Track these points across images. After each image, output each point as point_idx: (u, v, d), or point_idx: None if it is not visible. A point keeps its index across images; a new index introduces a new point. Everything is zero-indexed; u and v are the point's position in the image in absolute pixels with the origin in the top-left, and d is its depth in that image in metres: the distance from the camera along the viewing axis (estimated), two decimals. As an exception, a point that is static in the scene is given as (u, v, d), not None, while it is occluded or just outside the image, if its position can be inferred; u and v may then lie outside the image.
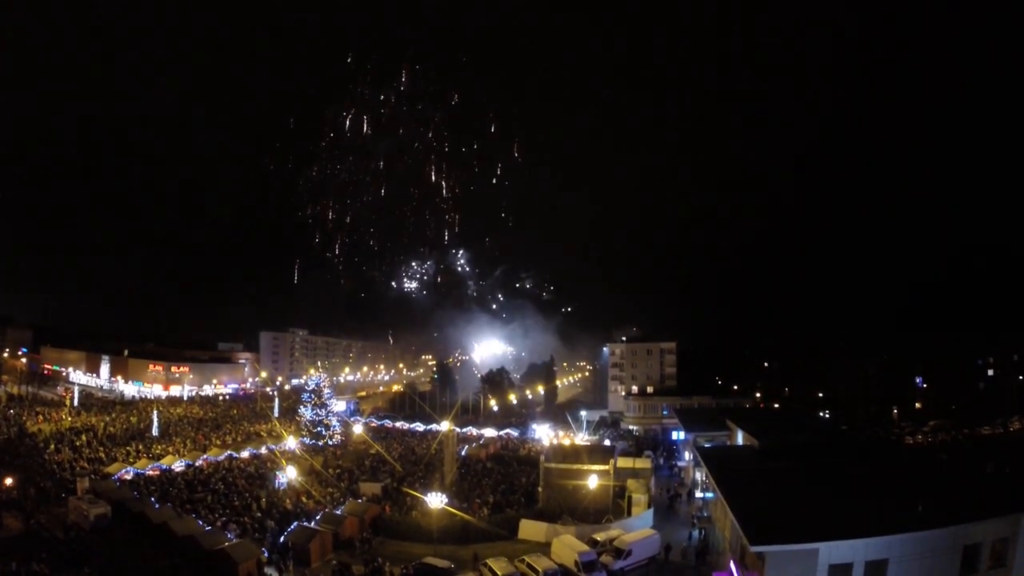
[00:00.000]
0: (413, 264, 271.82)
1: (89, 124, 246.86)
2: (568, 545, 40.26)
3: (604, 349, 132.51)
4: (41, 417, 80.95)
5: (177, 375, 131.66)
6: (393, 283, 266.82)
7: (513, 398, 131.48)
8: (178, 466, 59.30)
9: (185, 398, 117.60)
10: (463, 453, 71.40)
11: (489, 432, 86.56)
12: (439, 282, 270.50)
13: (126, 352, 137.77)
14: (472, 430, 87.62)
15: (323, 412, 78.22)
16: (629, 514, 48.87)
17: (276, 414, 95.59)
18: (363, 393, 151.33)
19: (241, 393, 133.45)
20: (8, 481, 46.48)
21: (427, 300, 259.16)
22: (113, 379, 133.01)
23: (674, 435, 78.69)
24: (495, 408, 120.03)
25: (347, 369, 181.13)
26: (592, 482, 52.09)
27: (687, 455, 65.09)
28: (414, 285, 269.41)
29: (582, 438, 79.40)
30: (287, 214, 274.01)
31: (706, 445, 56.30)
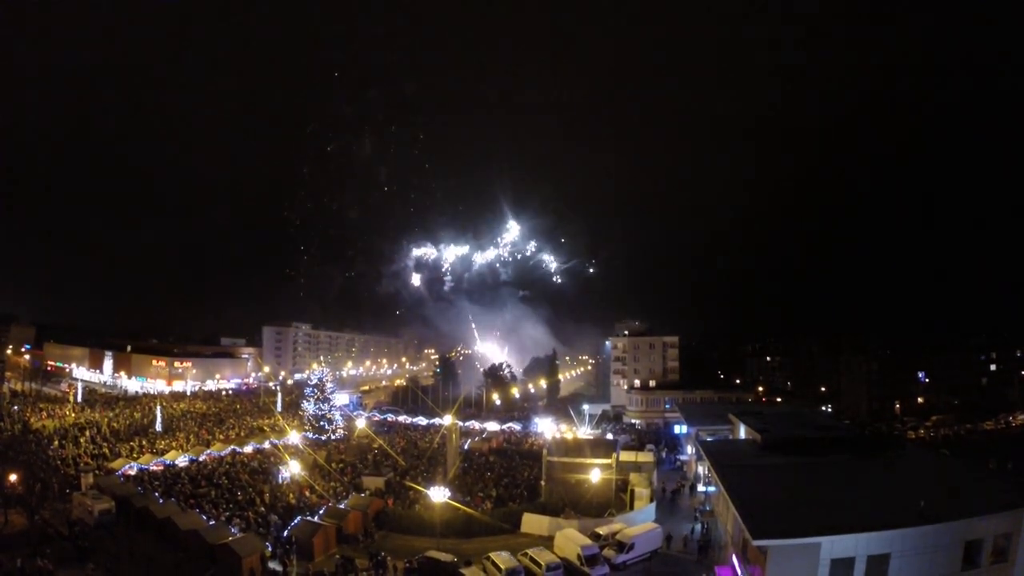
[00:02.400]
0: (400, 259, 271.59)
1: (91, 124, 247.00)
2: (570, 539, 40.35)
3: (606, 343, 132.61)
4: (45, 413, 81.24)
5: (180, 370, 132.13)
6: (383, 278, 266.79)
7: (515, 392, 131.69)
8: (182, 461, 59.46)
9: (188, 393, 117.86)
10: (466, 447, 71.58)
11: (492, 426, 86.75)
12: (422, 277, 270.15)
13: (129, 348, 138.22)
14: (475, 424, 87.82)
15: (326, 406, 78.37)
16: (631, 508, 48.94)
17: (279, 409, 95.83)
18: (366, 387, 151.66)
19: (244, 388, 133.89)
20: (12, 477, 46.65)
21: (414, 294, 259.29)
22: (116, 375, 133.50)
23: (676, 429, 78.69)
24: (498, 402, 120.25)
25: (350, 363, 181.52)
26: (595, 476, 52.22)
27: (689, 449, 65.14)
28: (402, 280, 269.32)
29: (584, 432, 79.47)
30: (286, 211, 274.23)
31: (708, 439, 56.32)
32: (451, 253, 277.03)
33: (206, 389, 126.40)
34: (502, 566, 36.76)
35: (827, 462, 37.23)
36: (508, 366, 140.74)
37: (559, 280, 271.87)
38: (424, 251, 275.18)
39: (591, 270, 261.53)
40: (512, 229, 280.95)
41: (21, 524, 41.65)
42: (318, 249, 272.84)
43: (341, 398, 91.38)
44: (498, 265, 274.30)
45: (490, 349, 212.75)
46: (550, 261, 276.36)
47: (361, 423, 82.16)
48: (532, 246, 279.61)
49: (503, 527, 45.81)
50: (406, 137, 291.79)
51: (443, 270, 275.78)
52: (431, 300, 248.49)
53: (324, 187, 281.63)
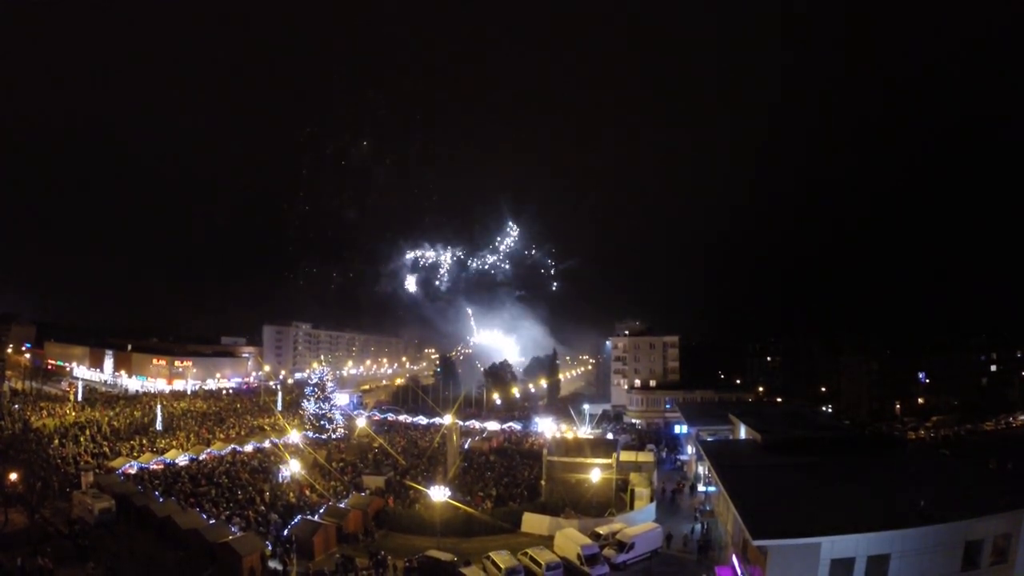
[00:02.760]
0: (399, 259, 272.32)
1: (92, 124, 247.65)
2: (571, 538, 40.36)
3: (607, 343, 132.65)
4: (45, 412, 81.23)
5: (180, 369, 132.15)
6: (383, 278, 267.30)
7: (516, 392, 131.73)
8: (182, 460, 59.46)
9: (189, 392, 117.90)
10: (466, 446, 71.56)
11: (492, 425, 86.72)
12: (421, 278, 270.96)
13: (130, 347, 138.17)
14: (475, 423, 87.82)
15: (326, 406, 78.40)
16: (631, 508, 48.96)
17: (279, 408, 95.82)
18: (366, 387, 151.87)
19: (244, 387, 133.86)
20: (13, 476, 46.69)
21: (413, 294, 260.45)
22: (117, 374, 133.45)
23: (676, 429, 78.75)
24: (498, 402, 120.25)
25: (350, 363, 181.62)
26: (595, 476, 52.21)
27: (689, 449, 65.17)
28: (400, 280, 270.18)
29: (585, 431, 79.47)
30: (286, 211, 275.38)
31: (708, 439, 56.38)
32: (449, 253, 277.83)
33: (206, 388, 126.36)
34: (502, 565, 36.77)
35: (827, 462, 37.20)
36: (509, 365, 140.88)
37: (557, 280, 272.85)
38: (423, 252, 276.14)
39: (588, 271, 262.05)
40: (510, 230, 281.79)
41: (21, 522, 41.67)
42: (318, 249, 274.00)
43: (341, 397, 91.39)
44: (491, 269, 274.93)
45: (493, 338, 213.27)
46: (548, 262, 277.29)
47: (361, 422, 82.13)
48: (529, 246, 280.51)
49: (503, 526, 45.84)
50: (405, 138, 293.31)
51: (441, 270, 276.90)
52: (430, 300, 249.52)
53: (324, 188, 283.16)
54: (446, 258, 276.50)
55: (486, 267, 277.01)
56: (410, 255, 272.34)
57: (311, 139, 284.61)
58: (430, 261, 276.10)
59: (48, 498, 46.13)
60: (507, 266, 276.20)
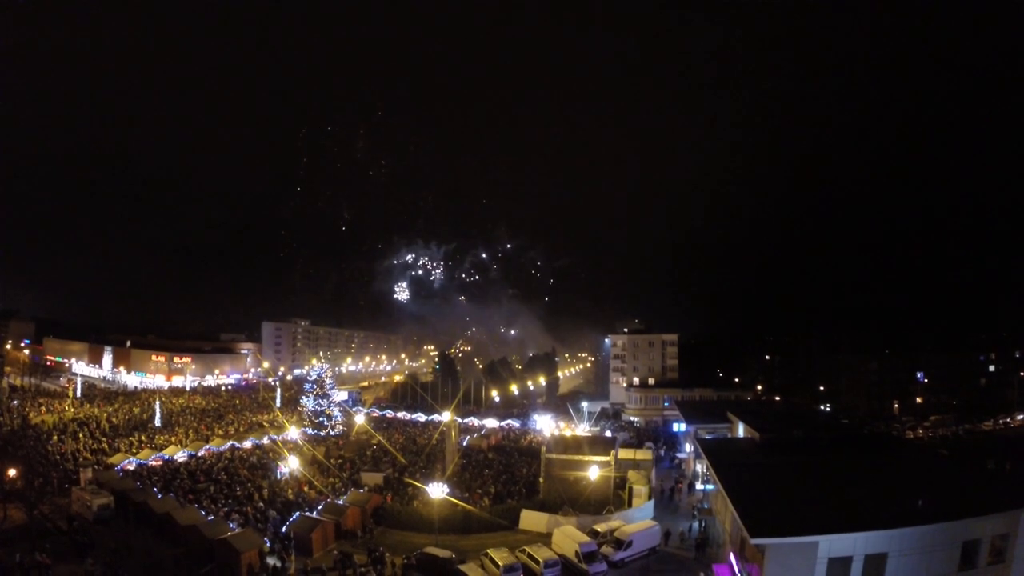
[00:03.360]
0: (396, 258, 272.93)
1: (93, 123, 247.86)
2: (569, 536, 40.43)
3: (606, 340, 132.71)
4: (44, 408, 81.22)
5: (180, 365, 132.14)
6: (380, 277, 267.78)
7: (515, 389, 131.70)
8: (181, 456, 59.49)
9: (188, 388, 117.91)
10: (464, 443, 71.59)
11: (491, 423, 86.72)
12: (419, 276, 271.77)
13: (129, 343, 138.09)
14: (474, 420, 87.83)
15: (325, 402, 78.34)
16: (630, 505, 49.06)
17: (278, 404, 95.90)
18: (365, 383, 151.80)
19: (243, 383, 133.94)
20: (11, 472, 46.64)
21: (411, 292, 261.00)
22: (116, 370, 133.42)
23: (675, 427, 78.90)
24: (497, 399, 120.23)
25: (349, 359, 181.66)
26: (593, 473, 52.20)
27: (688, 447, 65.25)
28: (398, 279, 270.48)
29: (583, 429, 79.47)
30: (285, 211, 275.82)
31: (707, 437, 56.41)
32: (445, 252, 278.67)
33: (205, 384, 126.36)
34: (500, 562, 36.79)
35: (825, 461, 37.24)
36: (508, 363, 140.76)
37: (552, 279, 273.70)
38: (418, 250, 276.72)
39: (585, 270, 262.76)
40: (505, 229, 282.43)
41: (20, 519, 41.62)
42: (316, 247, 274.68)
43: (340, 394, 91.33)
44: (486, 267, 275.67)
45: (491, 336, 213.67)
46: (538, 263, 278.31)
47: (360, 419, 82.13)
48: (524, 245, 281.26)
49: (501, 524, 45.90)
50: (403, 138, 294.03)
51: (437, 269, 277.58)
52: (427, 297, 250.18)
53: (321, 187, 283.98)
54: (442, 256, 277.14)
55: (481, 265, 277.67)
56: (406, 254, 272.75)
57: (309, 140, 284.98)
58: (426, 259, 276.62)
59: (47, 494, 46.04)
60: (502, 265, 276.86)
